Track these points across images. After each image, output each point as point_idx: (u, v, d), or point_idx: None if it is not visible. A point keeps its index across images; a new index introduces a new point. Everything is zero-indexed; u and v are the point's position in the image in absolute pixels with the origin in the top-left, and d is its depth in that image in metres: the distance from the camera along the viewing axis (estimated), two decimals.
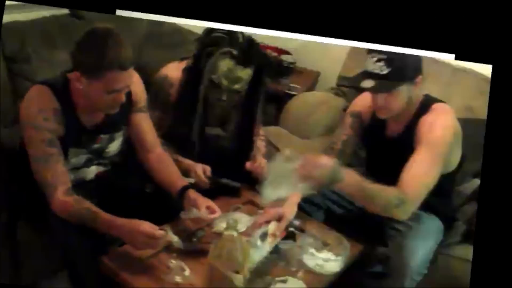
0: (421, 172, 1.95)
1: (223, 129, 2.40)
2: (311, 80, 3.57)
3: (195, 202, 1.95)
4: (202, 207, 1.93)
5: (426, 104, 2.08)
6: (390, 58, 1.93)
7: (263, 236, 1.86)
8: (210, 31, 2.18)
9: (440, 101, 2.12)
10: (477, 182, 2.43)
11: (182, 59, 2.31)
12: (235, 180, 2.27)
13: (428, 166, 1.97)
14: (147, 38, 2.96)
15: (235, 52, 2.12)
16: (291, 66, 3.42)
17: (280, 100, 3.33)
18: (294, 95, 3.21)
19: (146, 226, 1.76)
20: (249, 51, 2.15)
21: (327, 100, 3.11)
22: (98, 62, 1.77)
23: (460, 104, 2.60)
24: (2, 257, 2.07)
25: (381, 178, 2.05)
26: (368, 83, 1.96)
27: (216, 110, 2.31)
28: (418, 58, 2.01)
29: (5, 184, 2.06)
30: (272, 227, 1.94)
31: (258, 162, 2.28)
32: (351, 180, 1.82)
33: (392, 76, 1.94)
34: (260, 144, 2.46)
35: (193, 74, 2.21)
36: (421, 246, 2.04)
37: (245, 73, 2.17)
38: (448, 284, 2.27)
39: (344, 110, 2.93)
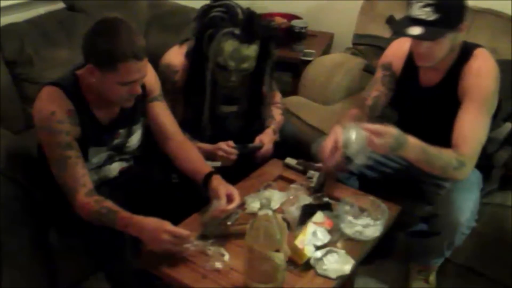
0: (475, 130, 1.92)
1: (239, 105, 2.35)
2: (326, 42, 3.46)
3: (216, 191, 1.87)
4: (222, 196, 1.84)
5: (467, 50, 1.99)
6: (437, 4, 1.82)
7: (315, 234, 1.79)
8: (207, 9, 2.10)
9: (479, 45, 2.02)
10: (508, 126, 2.35)
11: (181, 43, 2.24)
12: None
13: (480, 121, 1.93)
14: (150, 22, 2.89)
15: (237, 31, 2.04)
16: (303, 31, 3.31)
17: (296, 67, 3.24)
18: (309, 61, 3.10)
19: (168, 225, 1.70)
20: (251, 27, 2.06)
21: (345, 62, 3.00)
22: (112, 53, 1.69)
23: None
24: (37, 265, 2.06)
25: (417, 129, 2.01)
26: (415, 30, 1.84)
27: (227, 89, 2.26)
28: (463, 4, 1.90)
29: (28, 191, 2.02)
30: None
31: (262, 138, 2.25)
32: (414, 144, 1.84)
33: (440, 23, 1.83)
34: (275, 112, 2.41)
35: (197, 58, 2.14)
36: (469, 200, 1.99)
37: (251, 50, 2.10)
38: (491, 233, 2.22)
39: (364, 69, 2.88)
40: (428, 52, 1.92)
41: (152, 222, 1.71)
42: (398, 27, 1.92)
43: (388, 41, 2.82)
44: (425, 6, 1.82)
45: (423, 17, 1.83)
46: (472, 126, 1.91)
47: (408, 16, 1.88)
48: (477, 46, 2.01)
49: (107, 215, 1.76)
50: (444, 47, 1.91)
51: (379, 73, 2.20)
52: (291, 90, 3.20)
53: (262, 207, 1.56)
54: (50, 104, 1.80)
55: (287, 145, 2.39)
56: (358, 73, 2.93)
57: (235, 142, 2.24)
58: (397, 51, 2.14)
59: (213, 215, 1.83)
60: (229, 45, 2.04)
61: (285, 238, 1.60)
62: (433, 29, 1.83)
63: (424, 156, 1.86)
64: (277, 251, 1.56)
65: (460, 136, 1.91)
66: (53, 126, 1.79)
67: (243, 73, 2.15)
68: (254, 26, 2.06)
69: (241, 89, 2.30)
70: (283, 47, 3.22)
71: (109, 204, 1.78)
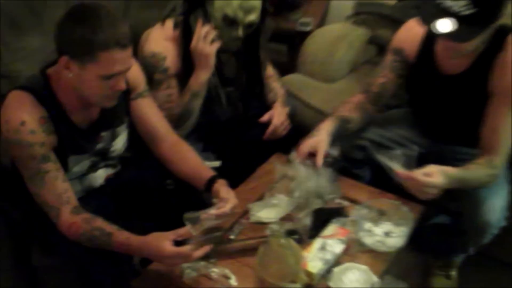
0: (508, 134, 1.71)
1: (232, 86, 2.17)
2: (322, 9, 3.20)
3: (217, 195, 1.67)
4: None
5: (501, 35, 1.71)
6: None
7: (323, 247, 1.59)
8: None
9: None
10: None
11: (163, 21, 2.02)
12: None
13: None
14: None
15: None
16: None
17: (292, 38, 3.02)
18: (306, 32, 2.85)
19: (167, 247, 1.49)
20: None
21: (347, 33, 2.73)
22: (92, 40, 1.46)
23: None
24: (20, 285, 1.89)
25: (432, 118, 1.91)
26: (443, 26, 1.56)
27: (227, 69, 2.09)
28: None
29: (4, 209, 1.83)
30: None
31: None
32: (453, 178, 1.64)
33: (476, 20, 1.55)
34: (275, 85, 2.24)
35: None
36: (499, 197, 1.80)
37: (257, 2, 1.92)
38: None
39: (369, 41, 2.64)
40: (455, 47, 1.66)
41: (152, 243, 1.51)
42: (426, 16, 1.62)
43: (393, 8, 2.60)
44: None
45: (455, 9, 1.54)
46: (505, 130, 1.71)
47: (438, 4, 1.58)
48: (509, 29, 1.73)
49: (100, 237, 1.56)
50: (476, 42, 1.66)
51: (389, 58, 1.95)
52: (287, 61, 3.01)
53: (272, 235, 1.34)
54: (19, 113, 1.56)
55: (288, 132, 2.18)
56: (362, 46, 2.70)
57: (232, 127, 2.11)
58: (410, 34, 1.87)
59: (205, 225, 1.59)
60: None
61: (300, 266, 1.40)
62: (467, 28, 1.55)
63: (461, 184, 1.69)
64: (293, 281, 1.36)
65: (491, 141, 1.72)
66: (25, 138, 1.56)
67: (248, 29, 1.96)
68: None
69: (233, 68, 2.13)
70: (277, 17, 3.00)
71: (100, 223, 1.57)
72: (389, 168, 1.62)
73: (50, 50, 1.64)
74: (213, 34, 1.90)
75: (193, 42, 1.91)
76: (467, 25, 1.54)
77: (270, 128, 2.08)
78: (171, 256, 1.49)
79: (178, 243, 1.50)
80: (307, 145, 1.85)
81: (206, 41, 1.89)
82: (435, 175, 1.57)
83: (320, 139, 1.85)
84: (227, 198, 1.63)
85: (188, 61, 1.96)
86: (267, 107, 2.17)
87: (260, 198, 1.85)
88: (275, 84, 2.25)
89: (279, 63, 2.40)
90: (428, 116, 1.96)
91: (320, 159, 1.81)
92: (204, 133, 2.13)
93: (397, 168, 1.60)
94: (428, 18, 1.59)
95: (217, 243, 1.62)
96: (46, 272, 1.89)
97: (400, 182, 1.63)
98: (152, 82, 1.94)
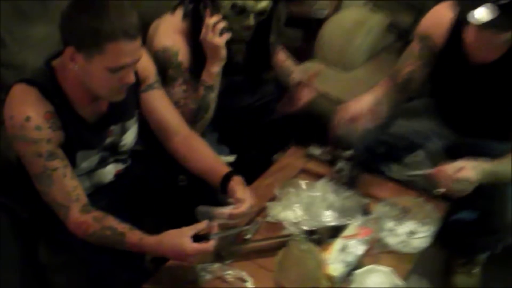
0: None
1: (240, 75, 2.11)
2: None
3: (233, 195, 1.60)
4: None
5: None
6: None
7: (344, 248, 1.51)
8: None
9: None
10: None
11: (173, 11, 1.95)
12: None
13: None
14: None
15: None
16: None
17: (308, 24, 2.92)
18: (323, 18, 2.75)
19: (189, 245, 1.42)
20: None
21: (365, 20, 2.66)
22: (99, 30, 1.38)
23: None
24: (29, 285, 1.83)
25: (459, 110, 1.83)
26: (481, 15, 1.45)
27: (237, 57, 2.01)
28: None
29: (9, 208, 1.77)
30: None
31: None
32: (487, 172, 1.56)
33: None
34: (294, 68, 2.18)
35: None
36: None
37: None
38: None
39: (388, 28, 2.55)
40: (493, 36, 1.54)
41: (170, 242, 1.44)
42: (463, 4, 1.51)
43: None
44: None
45: None
46: None
47: None
48: None
49: (112, 237, 1.49)
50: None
51: (415, 45, 1.85)
52: (303, 47, 2.89)
53: (292, 237, 1.27)
54: (24, 108, 1.49)
55: (303, 124, 2.11)
56: (381, 33, 2.61)
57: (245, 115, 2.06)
58: (438, 19, 1.76)
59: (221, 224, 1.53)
60: None
61: (321, 271, 1.32)
62: (506, 17, 1.43)
63: (492, 178, 1.59)
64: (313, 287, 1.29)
65: None
66: (30, 134, 1.49)
67: (260, 17, 1.89)
68: None
69: (243, 56, 2.06)
70: (291, 2, 2.88)
71: (112, 222, 1.50)
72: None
73: (57, 40, 1.54)
74: (222, 25, 1.81)
75: (202, 33, 1.82)
76: (507, 13, 1.44)
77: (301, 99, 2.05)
78: (194, 254, 1.43)
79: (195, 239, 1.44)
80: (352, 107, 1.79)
81: (215, 32, 1.80)
82: (467, 170, 1.49)
83: (364, 103, 1.79)
84: (243, 199, 1.56)
85: (199, 53, 1.88)
86: (283, 91, 2.11)
87: None
88: (293, 67, 2.18)
89: (294, 49, 2.33)
90: (454, 108, 1.86)
91: (364, 120, 1.75)
92: (218, 123, 2.05)
93: (424, 170, 1.52)
94: (465, 6, 1.49)
95: (233, 243, 1.56)
96: (54, 271, 1.82)
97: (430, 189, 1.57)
98: (166, 78, 1.87)
